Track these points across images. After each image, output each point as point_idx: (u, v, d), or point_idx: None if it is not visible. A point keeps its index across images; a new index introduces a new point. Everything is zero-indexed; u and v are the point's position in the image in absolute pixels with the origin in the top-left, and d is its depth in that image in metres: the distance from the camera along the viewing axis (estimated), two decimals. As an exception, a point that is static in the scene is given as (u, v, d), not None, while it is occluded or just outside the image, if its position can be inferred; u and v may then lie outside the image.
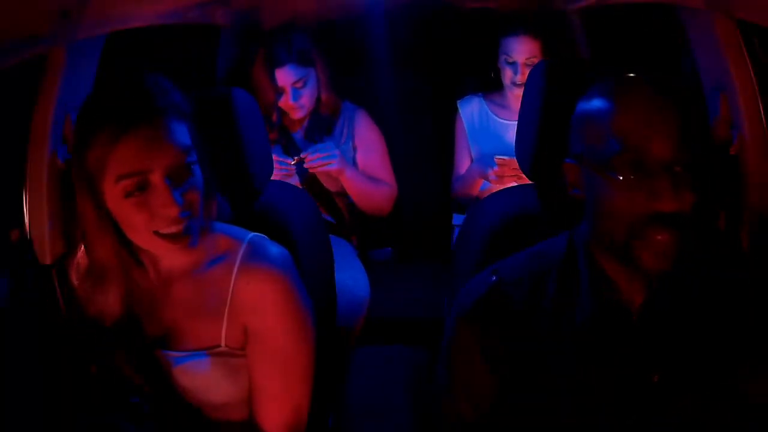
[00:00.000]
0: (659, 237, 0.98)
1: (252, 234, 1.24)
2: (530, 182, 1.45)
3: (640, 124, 0.99)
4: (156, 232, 1.10)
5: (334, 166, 2.21)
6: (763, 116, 1.61)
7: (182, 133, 1.09)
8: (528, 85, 1.41)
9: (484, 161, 2.32)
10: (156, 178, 1.07)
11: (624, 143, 0.99)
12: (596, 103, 1.06)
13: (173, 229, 1.10)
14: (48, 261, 1.64)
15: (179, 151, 1.08)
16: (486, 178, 2.31)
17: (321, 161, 2.19)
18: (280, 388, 1.19)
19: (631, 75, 1.05)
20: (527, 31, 2.27)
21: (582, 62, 2.15)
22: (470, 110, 2.49)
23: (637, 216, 0.99)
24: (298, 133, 2.38)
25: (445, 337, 1.18)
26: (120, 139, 1.05)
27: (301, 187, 2.26)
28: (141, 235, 1.11)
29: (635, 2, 2.02)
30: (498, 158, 2.25)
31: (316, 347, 1.39)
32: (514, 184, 2.24)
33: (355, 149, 2.40)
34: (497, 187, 1.97)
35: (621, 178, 0.99)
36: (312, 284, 1.48)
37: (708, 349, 1.06)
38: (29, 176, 1.65)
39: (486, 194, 2.37)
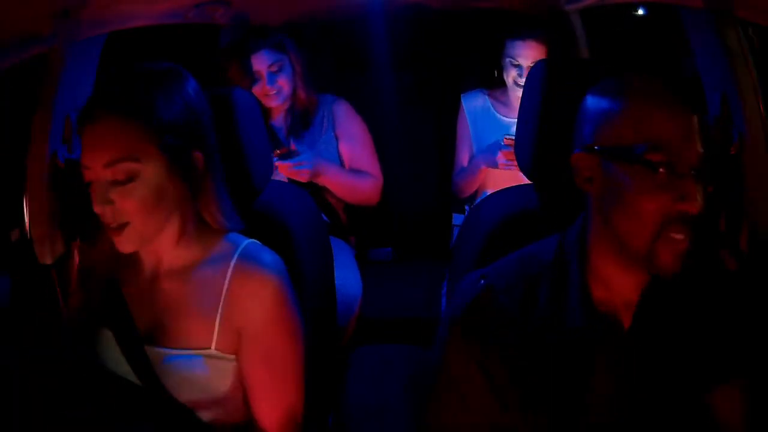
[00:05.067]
0: (679, 237, 0.98)
1: (248, 240, 1.25)
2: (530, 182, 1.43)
3: (671, 125, 0.99)
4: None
5: (304, 175, 2.21)
6: (763, 116, 1.60)
7: (129, 138, 1.12)
8: (527, 85, 1.40)
9: (491, 148, 2.29)
10: (90, 175, 1.13)
11: (658, 142, 0.99)
12: (618, 98, 1.04)
13: (110, 228, 1.15)
14: (48, 261, 1.65)
15: (118, 154, 1.11)
16: (494, 165, 2.27)
17: (291, 170, 2.20)
18: (273, 389, 1.21)
19: (651, 76, 1.05)
20: (533, 35, 2.26)
21: (582, 62, 2.14)
22: (473, 105, 2.47)
23: (663, 216, 0.98)
24: (280, 130, 2.38)
25: (437, 342, 1.16)
26: (82, 134, 1.12)
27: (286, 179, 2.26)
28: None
29: (636, 2, 2.01)
30: (508, 137, 2.20)
31: (314, 348, 1.41)
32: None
33: (337, 139, 2.39)
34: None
35: (655, 172, 0.98)
36: (311, 285, 1.49)
37: (704, 352, 1.06)
38: (29, 176, 1.66)
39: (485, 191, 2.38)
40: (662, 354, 1.05)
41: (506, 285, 1.10)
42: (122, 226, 1.14)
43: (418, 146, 2.74)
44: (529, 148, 1.35)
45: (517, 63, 2.29)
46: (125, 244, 1.16)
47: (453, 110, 2.52)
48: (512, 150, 2.10)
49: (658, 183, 0.98)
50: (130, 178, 1.12)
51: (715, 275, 1.12)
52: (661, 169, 0.98)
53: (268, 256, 1.23)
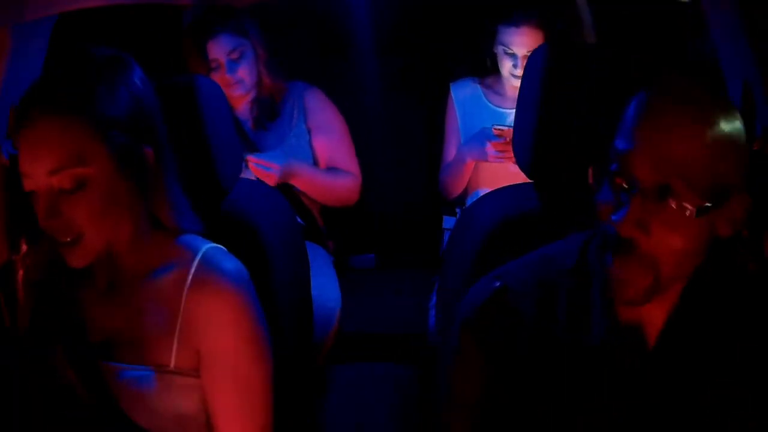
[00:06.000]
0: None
1: (208, 245, 1.21)
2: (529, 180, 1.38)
3: (629, 131, 0.93)
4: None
5: (272, 175, 2.13)
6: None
7: (73, 139, 1.06)
8: (527, 73, 1.35)
9: (478, 137, 2.20)
10: (32, 184, 1.07)
11: (616, 150, 0.94)
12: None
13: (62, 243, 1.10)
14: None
15: (62, 158, 1.05)
16: (482, 158, 2.20)
17: (260, 170, 2.13)
18: (238, 412, 1.18)
19: (667, 75, 0.98)
20: (529, 21, 2.19)
21: (586, 47, 2.09)
22: (463, 94, 2.39)
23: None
24: (246, 122, 2.28)
25: (447, 349, 1.13)
26: (19, 135, 1.06)
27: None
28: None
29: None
30: (496, 127, 2.11)
31: (287, 366, 1.38)
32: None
33: (309, 132, 2.30)
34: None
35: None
36: (285, 295, 1.45)
37: (741, 390, 0.98)
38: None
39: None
40: (688, 386, 0.98)
41: (523, 287, 1.07)
42: (76, 239, 1.09)
43: (405, 136, 2.69)
44: (528, 144, 1.31)
45: (511, 52, 2.21)
46: (79, 258, 1.11)
47: (442, 97, 2.47)
48: (503, 140, 2.09)
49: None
50: (80, 184, 1.07)
51: (757, 298, 1.02)
52: (618, 180, 0.92)
53: (230, 264, 1.19)
